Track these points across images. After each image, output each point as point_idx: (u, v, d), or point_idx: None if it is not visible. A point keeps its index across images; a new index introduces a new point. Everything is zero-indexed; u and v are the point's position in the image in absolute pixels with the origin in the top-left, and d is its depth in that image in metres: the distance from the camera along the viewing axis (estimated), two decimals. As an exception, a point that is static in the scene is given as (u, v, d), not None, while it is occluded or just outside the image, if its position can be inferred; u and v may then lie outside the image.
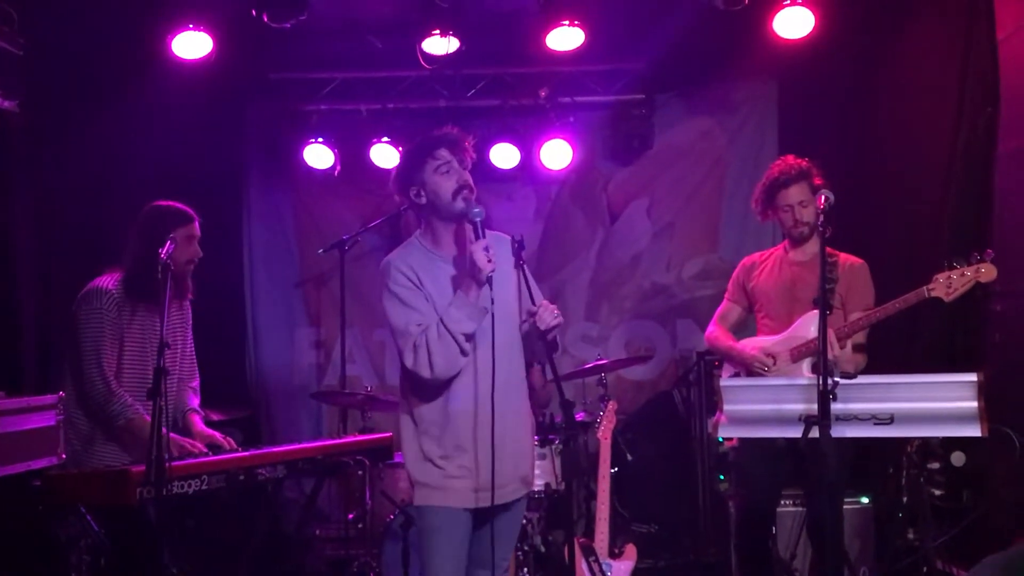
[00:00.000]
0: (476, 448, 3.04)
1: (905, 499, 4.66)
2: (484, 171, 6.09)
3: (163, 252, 3.37)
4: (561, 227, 6.74)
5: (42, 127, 4.80)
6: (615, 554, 4.46)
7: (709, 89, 6.57)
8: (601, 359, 5.34)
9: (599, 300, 6.71)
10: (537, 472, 4.73)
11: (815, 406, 3.11)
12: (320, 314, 6.69)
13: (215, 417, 4.83)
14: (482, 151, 6.08)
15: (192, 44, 4.89)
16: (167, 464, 3.11)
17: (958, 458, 4.44)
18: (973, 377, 3.18)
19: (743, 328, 4.23)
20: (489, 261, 2.94)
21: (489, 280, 2.96)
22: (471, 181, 3.10)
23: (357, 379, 6.37)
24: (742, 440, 4.05)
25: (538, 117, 6.22)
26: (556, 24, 5.10)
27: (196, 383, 4.06)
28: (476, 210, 3.03)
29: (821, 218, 3.35)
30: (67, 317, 3.75)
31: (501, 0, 5.52)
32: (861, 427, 3.27)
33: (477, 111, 6.25)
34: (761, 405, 3.47)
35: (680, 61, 6.07)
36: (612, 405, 4.77)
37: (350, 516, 5.32)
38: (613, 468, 4.76)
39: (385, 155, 6.10)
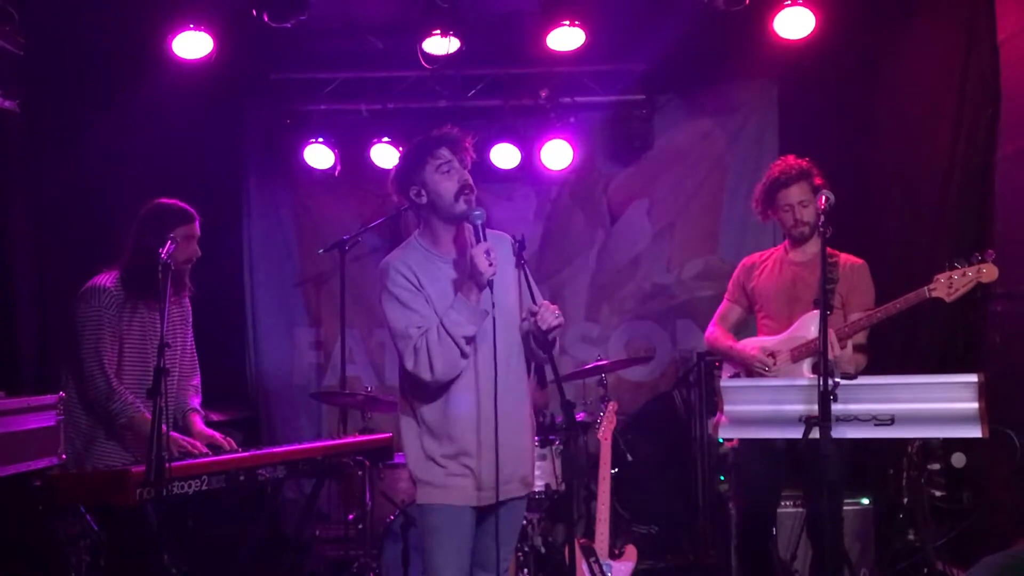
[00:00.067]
0: (478, 449, 3.03)
1: (905, 500, 4.66)
2: (484, 171, 6.10)
3: (163, 252, 3.37)
4: (561, 228, 6.74)
5: (42, 127, 4.80)
6: (615, 555, 4.46)
7: (710, 90, 6.57)
8: (601, 360, 5.34)
9: (599, 301, 6.71)
10: (537, 473, 4.72)
11: (815, 407, 3.11)
12: (320, 314, 6.69)
13: (215, 417, 4.83)
14: (482, 151, 6.08)
15: (192, 44, 4.88)
16: (167, 464, 3.11)
17: (958, 459, 4.44)
18: (974, 378, 3.18)
19: (743, 328, 4.22)
20: (490, 265, 2.94)
21: (490, 283, 2.95)
22: (471, 181, 3.09)
23: (357, 379, 6.37)
24: (742, 441, 4.05)
25: (538, 117, 6.22)
26: (557, 24, 5.10)
27: (197, 380, 4.05)
28: (477, 212, 3.02)
29: (822, 218, 3.36)
30: (66, 316, 3.75)
31: (502, 0, 5.53)
32: (861, 428, 3.27)
33: (477, 111, 6.25)
34: (761, 406, 3.47)
35: (681, 61, 6.06)
36: (612, 406, 4.77)
37: (350, 516, 5.32)
38: (613, 469, 4.76)
39: (385, 155, 6.10)
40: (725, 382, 3.67)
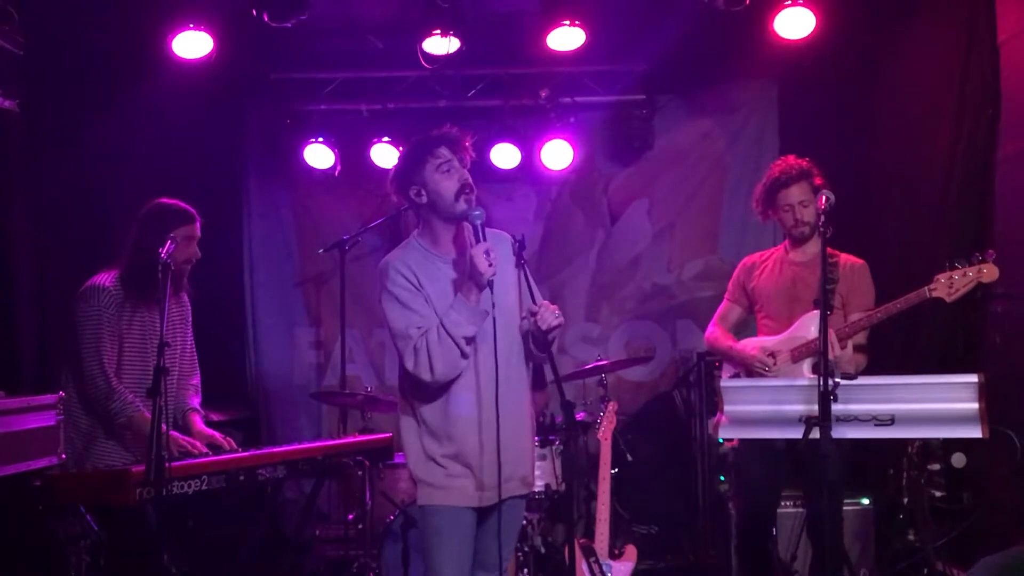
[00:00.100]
0: (479, 449, 3.03)
1: (905, 500, 4.66)
2: (484, 171, 6.10)
3: (163, 252, 3.37)
4: (561, 228, 6.74)
5: (42, 127, 4.80)
6: (615, 555, 4.46)
7: (710, 90, 6.57)
8: (601, 360, 5.34)
9: (599, 301, 6.70)
10: (537, 473, 4.72)
11: (815, 407, 3.11)
12: (320, 314, 6.69)
13: (215, 417, 4.83)
14: (482, 151, 6.07)
15: (192, 44, 4.88)
16: (167, 464, 3.11)
17: (959, 459, 4.44)
18: (974, 378, 3.19)
19: (743, 328, 4.22)
20: (490, 265, 2.94)
21: (490, 284, 2.95)
22: (471, 181, 3.09)
23: (357, 379, 6.38)
24: (742, 441, 4.05)
25: (539, 117, 6.22)
26: (557, 24, 5.10)
27: (197, 379, 4.05)
28: (476, 212, 3.02)
29: (822, 218, 3.36)
30: (66, 316, 3.75)
31: (502, 0, 5.52)
32: (861, 428, 3.27)
33: (478, 111, 6.24)
34: (761, 406, 3.47)
35: (681, 61, 6.06)
36: (612, 406, 4.77)
37: (350, 516, 5.32)
38: (613, 469, 4.76)
39: (385, 155, 6.09)
40: (725, 382, 3.67)
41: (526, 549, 4.64)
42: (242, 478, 3.58)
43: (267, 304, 6.68)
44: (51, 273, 4.80)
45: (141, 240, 3.68)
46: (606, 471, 4.59)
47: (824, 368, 3.10)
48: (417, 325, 3.00)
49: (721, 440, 5.04)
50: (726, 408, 3.53)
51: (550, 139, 6.17)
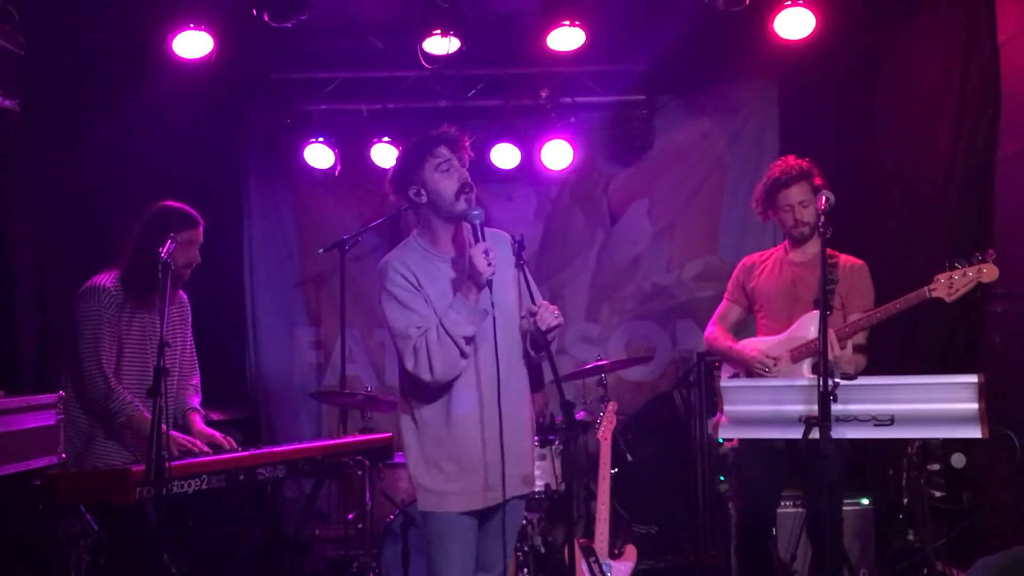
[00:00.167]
0: (481, 448, 3.03)
1: (905, 500, 4.66)
2: (484, 171, 6.10)
3: (163, 251, 3.37)
4: (561, 228, 6.74)
5: (42, 126, 4.80)
6: (615, 555, 4.46)
7: (710, 90, 6.57)
8: (601, 360, 5.33)
9: (599, 301, 6.71)
10: (537, 473, 4.72)
11: (815, 407, 3.11)
12: (320, 314, 6.69)
13: (215, 417, 4.83)
14: (483, 151, 6.09)
15: (193, 43, 4.88)
16: (167, 463, 3.11)
17: (958, 459, 4.44)
18: (973, 378, 3.19)
19: (743, 328, 4.22)
20: (489, 264, 2.94)
21: (489, 283, 2.95)
22: (471, 180, 3.09)
23: (357, 379, 6.38)
24: (742, 441, 4.05)
25: (539, 117, 6.22)
26: (557, 24, 5.10)
27: (196, 380, 4.06)
28: (475, 212, 3.02)
29: (822, 219, 3.36)
30: (65, 315, 3.75)
31: (502, 0, 5.52)
32: (861, 428, 3.28)
33: (478, 111, 6.24)
34: (761, 406, 3.48)
35: (681, 62, 6.06)
36: (612, 406, 4.77)
37: (350, 516, 5.32)
38: (613, 469, 4.76)
39: (386, 155, 6.09)
40: (725, 382, 3.67)
41: (526, 549, 4.64)
42: (242, 477, 3.58)
43: (267, 304, 6.68)
44: (51, 273, 4.80)
45: (143, 241, 3.68)
46: (606, 471, 4.59)
47: (824, 368, 3.11)
48: (416, 325, 3.00)
49: (721, 440, 5.04)
50: (726, 408, 3.54)
51: (550, 139, 6.17)
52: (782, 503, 4.35)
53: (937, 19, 4.97)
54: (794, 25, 4.92)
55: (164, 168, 5.52)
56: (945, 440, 4.45)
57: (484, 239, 3.00)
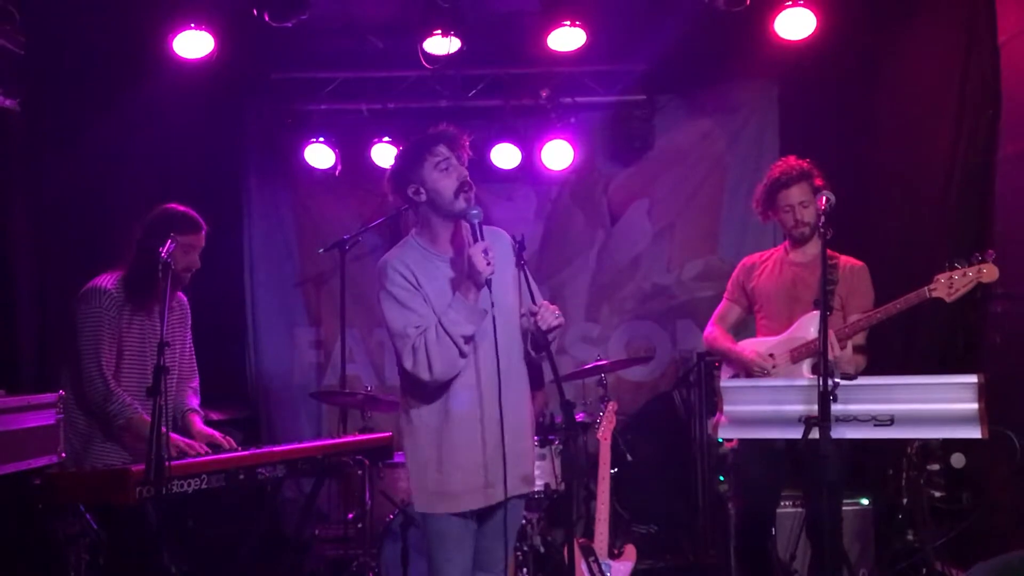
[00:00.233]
0: (482, 447, 3.03)
1: (905, 500, 4.66)
2: (485, 171, 6.11)
3: (163, 251, 3.37)
4: (562, 228, 6.74)
5: (42, 126, 4.80)
6: (614, 555, 4.46)
7: (710, 90, 6.57)
8: (601, 360, 5.33)
9: (599, 301, 6.71)
10: (537, 472, 4.72)
11: (815, 407, 3.12)
12: (320, 314, 6.69)
13: (215, 417, 4.83)
14: (483, 151, 6.09)
15: (193, 43, 4.88)
16: (167, 463, 3.11)
17: (958, 460, 4.44)
18: (973, 379, 3.19)
19: (742, 328, 4.22)
20: (488, 264, 2.93)
21: (488, 283, 2.95)
22: (470, 178, 3.09)
23: (357, 379, 6.38)
24: (742, 441, 4.05)
25: (539, 117, 6.22)
26: (557, 24, 5.10)
27: (196, 383, 4.06)
28: (475, 211, 3.02)
29: (822, 219, 3.36)
30: (65, 316, 3.75)
31: (502, 0, 5.53)
32: (861, 428, 3.28)
33: (478, 111, 6.25)
34: (761, 406, 3.48)
35: (681, 62, 6.06)
36: (612, 406, 4.77)
37: (350, 516, 5.33)
38: (613, 469, 4.76)
39: (386, 155, 6.09)
40: (725, 382, 3.68)
41: (525, 549, 4.64)
42: (242, 477, 3.58)
43: (267, 304, 6.68)
44: (51, 273, 4.80)
45: (145, 242, 3.68)
46: (606, 471, 4.59)
47: (824, 368, 3.11)
48: (415, 324, 3.00)
49: (721, 440, 5.04)
50: (726, 408, 3.54)
51: (550, 139, 6.17)
52: (782, 503, 4.35)
53: (937, 19, 4.97)
54: (794, 25, 4.93)
55: (164, 168, 5.52)
56: (945, 440, 4.45)
57: (483, 238, 2.99)
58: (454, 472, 3.05)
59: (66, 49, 4.87)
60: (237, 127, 6.56)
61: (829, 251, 3.55)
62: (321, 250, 6.04)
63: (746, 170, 6.42)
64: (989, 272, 3.49)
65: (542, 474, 4.98)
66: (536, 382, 4.90)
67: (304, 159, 6.21)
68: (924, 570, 4.42)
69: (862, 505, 4.74)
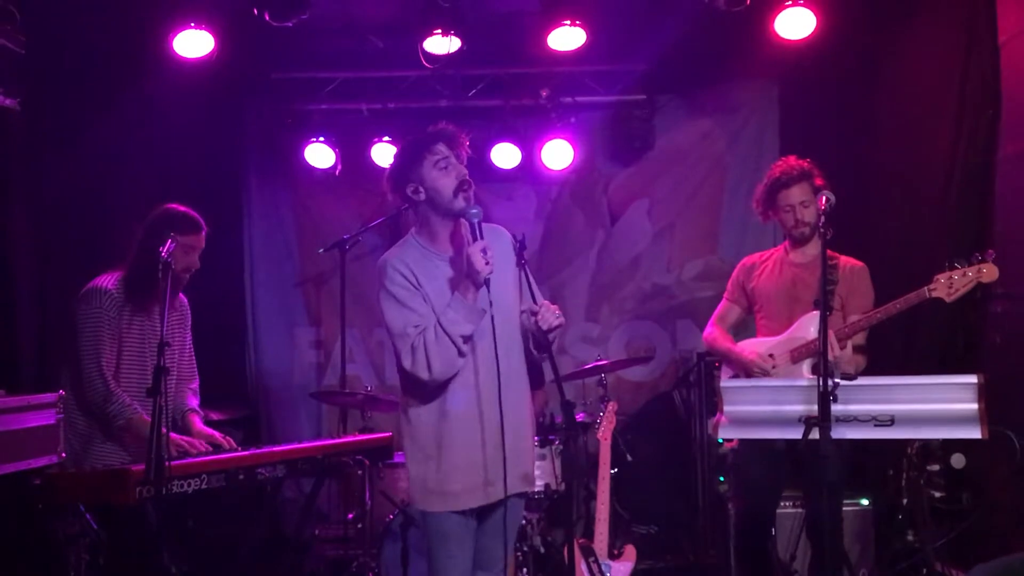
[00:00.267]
0: (481, 446, 3.03)
1: (905, 501, 4.67)
2: (485, 171, 6.11)
3: (163, 250, 3.37)
4: (561, 227, 6.74)
5: (42, 126, 4.79)
6: (614, 555, 4.46)
7: (710, 90, 6.57)
8: (601, 360, 5.33)
9: (599, 301, 6.71)
10: (537, 472, 4.72)
11: (815, 407, 3.12)
12: (320, 314, 6.69)
13: (215, 417, 4.83)
14: (483, 151, 6.09)
15: (193, 43, 4.88)
16: (167, 463, 3.10)
17: (958, 460, 4.44)
18: (973, 379, 3.18)
19: (742, 328, 4.22)
20: (487, 263, 2.93)
21: (487, 282, 2.95)
22: (469, 177, 3.08)
23: (357, 379, 6.38)
24: (742, 441, 4.05)
25: (539, 117, 6.22)
26: (557, 24, 5.10)
27: (195, 384, 4.06)
28: (474, 210, 3.02)
29: (822, 219, 3.36)
30: (65, 316, 3.75)
31: (502, 0, 5.52)
32: (861, 429, 3.27)
33: (478, 111, 6.25)
34: (761, 406, 3.48)
35: (681, 62, 6.06)
36: (612, 406, 4.77)
37: (350, 516, 5.32)
38: (613, 469, 4.76)
39: (386, 155, 6.08)
40: (725, 382, 3.67)
41: (525, 549, 4.64)
42: (242, 477, 3.58)
43: (267, 304, 6.68)
44: (51, 273, 4.80)
45: (145, 242, 3.68)
46: (606, 471, 4.59)
47: (824, 369, 3.10)
48: (415, 324, 3.00)
49: (721, 440, 5.04)
50: (726, 408, 3.54)
51: (550, 139, 6.17)
52: (782, 503, 4.35)
53: (937, 19, 4.97)
54: (794, 25, 4.93)
55: (164, 168, 5.52)
56: (945, 440, 4.45)
57: (482, 237, 2.99)
58: (453, 471, 3.05)
59: (66, 49, 4.87)
60: (237, 127, 6.56)
61: (829, 251, 3.55)
62: (321, 250, 6.04)
63: (746, 170, 6.42)
64: (989, 272, 3.49)
65: (542, 474, 4.98)
66: (536, 381, 4.91)
67: (304, 159, 6.21)
68: (924, 570, 4.42)
69: (862, 505, 4.74)
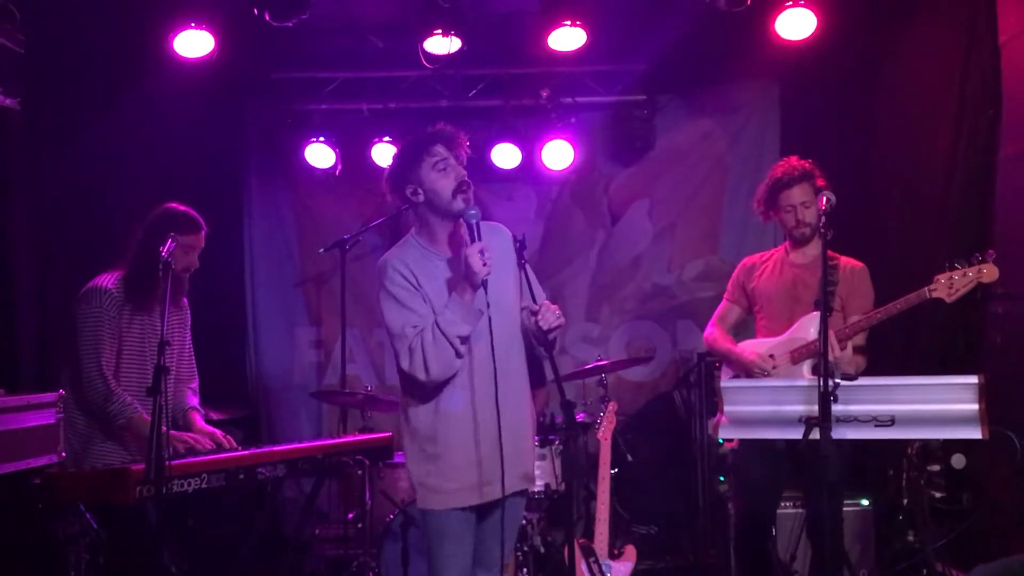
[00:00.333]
0: (476, 446, 3.03)
1: (905, 501, 4.66)
2: (485, 171, 6.11)
3: (164, 250, 3.37)
4: (562, 228, 6.74)
5: (42, 125, 4.80)
6: (615, 555, 4.46)
7: (711, 90, 6.57)
8: (602, 360, 5.34)
9: (600, 301, 6.71)
10: (537, 473, 4.72)
11: (815, 408, 3.11)
12: (320, 313, 6.70)
13: (215, 416, 4.82)
14: (483, 151, 6.09)
15: (194, 43, 4.89)
16: (167, 463, 3.10)
17: (958, 460, 4.44)
18: (974, 379, 3.18)
19: (743, 329, 4.22)
20: (484, 264, 2.93)
21: (484, 283, 2.95)
22: (468, 178, 3.08)
23: (357, 378, 6.38)
24: (742, 442, 4.04)
25: (539, 117, 6.22)
26: (558, 24, 5.10)
27: (195, 384, 4.06)
28: (472, 211, 3.01)
29: (823, 220, 3.36)
30: (65, 316, 3.74)
31: (503, 0, 5.53)
32: (861, 429, 3.27)
33: (478, 111, 6.25)
34: (761, 406, 3.48)
35: (682, 62, 6.06)
36: (612, 406, 4.77)
37: (350, 516, 5.33)
38: (613, 469, 4.76)
39: (386, 155, 6.08)
40: (725, 382, 3.67)
41: (526, 549, 4.64)
42: (242, 477, 3.57)
43: (268, 303, 6.68)
44: (51, 273, 4.80)
45: (146, 241, 3.68)
46: (606, 471, 4.58)
47: (824, 369, 3.10)
48: (413, 324, 3.00)
49: (721, 440, 5.03)
50: (726, 408, 3.54)
51: (551, 139, 6.17)
52: (782, 504, 4.34)
53: (938, 19, 4.97)
54: (795, 25, 4.93)
55: (164, 168, 5.52)
56: (945, 441, 4.45)
57: (480, 238, 2.99)
58: (450, 470, 3.05)
59: (66, 48, 4.87)
60: (237, 127, 6.56)
61: (829, 252, 3.54)
62: (321, 250, 6.03)
63: (747, 170, 6.42)
64: (989, 272, 3.49)
65: (542, 474, 4.98)
66: (537, 380, 4.92)
67: (304, 159, 6.21)
68: (924, 571, 4.42)
69: (863, 506, 4.74)
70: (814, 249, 3.93)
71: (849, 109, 5.78)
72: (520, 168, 6.37)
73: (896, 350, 4.77)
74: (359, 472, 4.83)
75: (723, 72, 6.35)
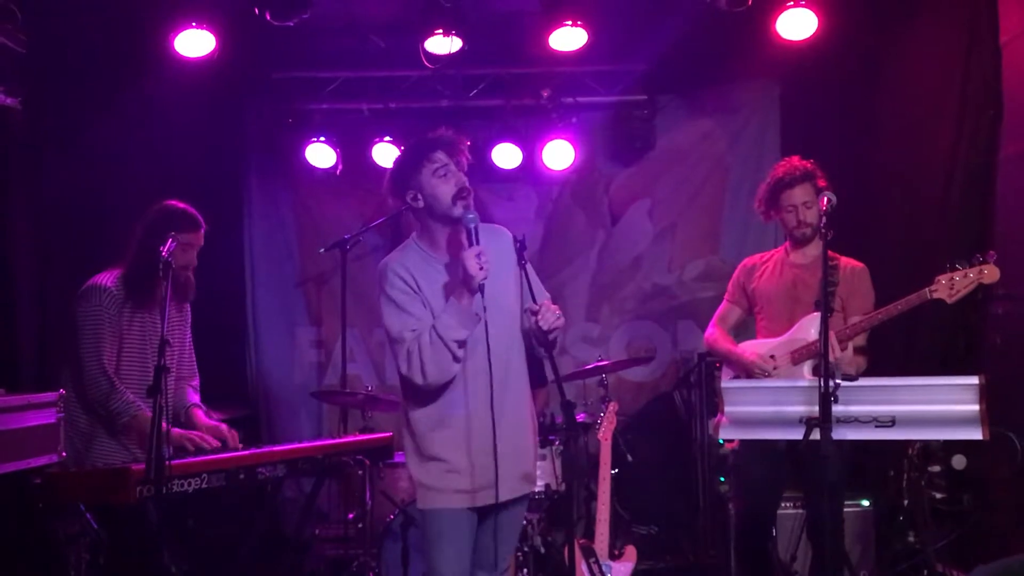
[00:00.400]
0: (471, 450, 3.03)
1: (906, 502, 4.66)
2: (486, 171, 6.11)
3: (164, 250, 3.37)
4: (562, 228, 6.74)
5: (43, 125, 4.80)
6: (615, 555, 4.46)
7: (711, 90, 6.57)
8: (602, 360, 5.34)
9: (600, 301, 6.70)
10: (537, 473, 4.71)
11: (816, 408, 3.11)
12: (321, 313, 6.69)
13: (215, 416, 4.82)
14: (484, 151, 6.09)
15: (194, 42, 4.88)
16: (167, 462, 3.10)
17: (959, 461, 4.44)
18: (974, 380, 3.18)
19: (743, 329, 4.22)
20: (481, 268, 2.93)
21: (481, 288, 2.95)
22: (468, 184, 3.08)
23: (357, 378, 6.38)
24: (742, 442, 4.04)
25: (540, 117, 6.22)
26: (559, 24, 5.10)
27: (196, 382, 4.06)
28: (470, 216, 3.01)
29: (823, 220, 3.35)
30: (65, 315, 3.74)
31: (504, 0, 5.52)
32: (862, 429, 3.27)
33: (479, 111, 6.24)
34: (762, 407, 3.48)
35: (683, 62, 6.06)
36: (613, 406, 4.77)
37: (350, 516, 5.32)
38: (613, 469, 4.76)
39: (387, 155, 6.09)
40: (726, 383, 3.67)
41: (526, 549, 4.64)
42: (242, 477, 3.57)
43: (268, 303, 6.68)
44: (51, 273, 4.80)
45: (145, 240, 3.67)
46: (606, 471, 4.58)
47: (825, 370, 3.10)
48: (412, 328, 3.00)
49: (721, 441, 5.03)
50: (727, 409, 3.53)
51: (551, 139, 6.17)
52: (782, 504, 4.34)
53: (939, 19, 4.97)
54: (796, 26, 4.93)
55: (164, 167, 5.52)
56: (946, 442, 4.45)
57: (478, 242, 2.98)
58: (448, 472, 3.05)
59: (67, 48, 4.87)
60: (238, 127, 6.56)
61: (830, 252, 3.54)
62: (322, 250, 6.03)
63: (747, 170, 6.42)
64: (990, 273, 3.49)
65: (542, 474, 4.98)
66: (538, 380, 4.91)
67: (305, 159, 6.21)
68: (925, 572, 4.42)
69: (863, 506, 4.74)
70: (814, 249, 3.93)
71: (850, 109, 5.77)
72: (521, 168, 6.37)
73: (897, 351, 4.77)
74: (359, 472, 4.83)
75: (724, 72, 6.35)
